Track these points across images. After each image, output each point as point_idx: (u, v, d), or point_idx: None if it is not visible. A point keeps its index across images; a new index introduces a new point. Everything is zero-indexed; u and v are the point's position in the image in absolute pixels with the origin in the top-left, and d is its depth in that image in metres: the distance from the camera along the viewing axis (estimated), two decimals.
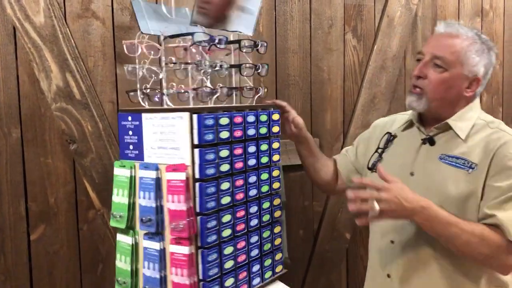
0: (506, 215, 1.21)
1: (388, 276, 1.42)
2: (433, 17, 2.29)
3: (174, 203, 1.19)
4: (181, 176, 1.17)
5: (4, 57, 1.58)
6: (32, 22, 1.59)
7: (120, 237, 1.35)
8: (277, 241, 1.46)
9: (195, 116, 1.18)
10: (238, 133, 1.28)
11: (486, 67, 1.35)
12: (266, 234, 1.41)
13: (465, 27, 1.37)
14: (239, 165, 1.29)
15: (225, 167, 1.25)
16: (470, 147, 1.30)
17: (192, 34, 1.26)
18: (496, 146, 1.26)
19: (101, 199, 1.70)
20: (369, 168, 1.49)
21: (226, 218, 1.26)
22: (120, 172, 1.32)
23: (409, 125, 1.47)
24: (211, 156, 1.20)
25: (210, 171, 1.20)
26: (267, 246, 1.41)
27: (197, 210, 1.21)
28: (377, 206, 1.19)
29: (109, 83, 1.70)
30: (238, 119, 1.28)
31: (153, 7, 1.36)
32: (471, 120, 1.34)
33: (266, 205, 1.40)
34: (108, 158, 1.70)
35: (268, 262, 1.42)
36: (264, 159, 1.38)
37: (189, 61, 1.31)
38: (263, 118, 1.37)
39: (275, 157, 1.42)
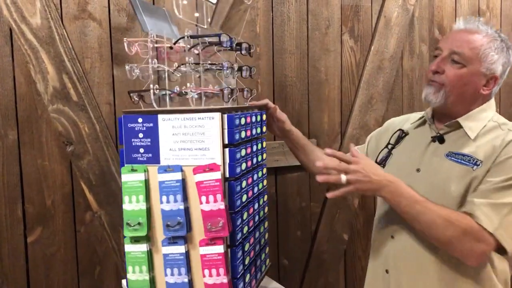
0: (482, 201, 1.20)
1: (387, 271, 1.42)
2: (430, 18, 2.29)
3: (208, 204, 1.17)
4: (217, 175, 1.17)
5: (1, 59, 1.58)
6: (29, 23, 1.58)
7: (130, 247, 1.24)
8: (266, 235, 1.51)
9: (225, 116, 1.19)
10: (249, 133, 1.31)
11: (504, 66, 1.33)
12: (261, 229, 1.45)
13: (485, 25, 1.35)
14: (249, 163, 1.32)
15: (244, 166, 1.27)
16: (478, 147, 1.29)
17: (219, 35, 1.26)
18: (503, 145, 1.26)
19: (98, 201, 1.70)
20: (377, 163, 1.48)
21: (245, 215, 1.29)
22: (131, 178, 1.23)
23: (422, 122, 1.47)
24: (238, 155, 1.22)
25: (238, 169, 1.22)
26: (262, 241, 1.45)
27: (234, 208, 1.23)
28: (344, 177, 1.22)
29: (106, 84, 1.70)
30: (249, 119, 1.30)
31: (150, 6, 1.35)
32: (483, 121, 1.33)
33: (261, 201, 1.44)
34: (105, 160, 1.69)
35: (263, 256, 1.46)
36: (259, 158, 1.41)
37: (216, 63, 1.32)
38: (258, 118, 1.40)
39: (264, 156, 1.46)
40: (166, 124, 1.23)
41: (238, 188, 1.23)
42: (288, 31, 1.97)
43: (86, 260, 1.72)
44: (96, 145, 1.68)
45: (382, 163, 1.47)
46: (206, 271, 1.19)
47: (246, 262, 1.29)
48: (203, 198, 1.18)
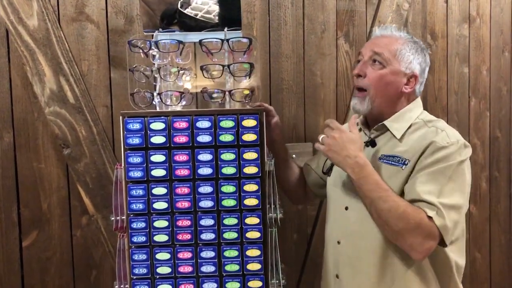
0: (425, 189, 1.25)
1: (337, 276, 1.44)
2: (422, 23, 2.32)
3: None
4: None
5: None
6: (26, 25, 1.57)
7: None
8: (253, 266, 1.31)
9: (124, 120, 1.23)
10: (181, 139, 1.25)
11: (421, 65, 1.41)
12: (230, 253, 1.29)
13: (399, 31, 1.45)
14: (182, 172, 1.25)
15: (158, 172, 1.24)
16: (406, 146, 1.34)
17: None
18: (428, 140, 1.30)
19: (95, 204, 1.68)
20: (324, 173, 1.47)
21: (160, 223, 1.26)
22: None
23: (360, 129, 1.48)
24: (136, 160, 1.24)
25: (136, 174, 1.24)
26: (231, 267, 1.30)
27: (127, 210, 1.26)
28: (321, 136, 1.31)
29: (103, 87, 1.69)
30: (181, 125, 1.24)
31: None
32: (408, 121, 1.38)
33: (230, 221, 1.29)
34: (102, 163, 1.68)
35: (233, 285, 1.30)
36: (229, 170, 1.27)
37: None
38: (226, 124, 1.27)
39: (250, 169, 1.28)
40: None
41: (140, 192, 1.24)
42: (285, 35, 1.98)
43: (82, 264, 1.71)
44: (93, 148, 1.67)
45: (328, 172, 1.44)
46: None
47: (162, 271, 1.26)
48: None
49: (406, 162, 1.30)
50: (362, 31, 2.14)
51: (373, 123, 1.42)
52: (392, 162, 1.33)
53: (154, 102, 1.34)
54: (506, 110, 2.61)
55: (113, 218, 1.28)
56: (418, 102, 1.44)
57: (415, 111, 1.41)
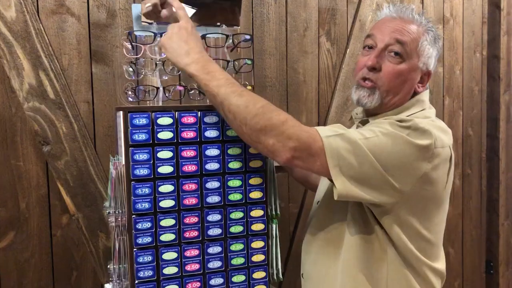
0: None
1: (302, 275, 1.37)
2: None
3: None
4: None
5: None
6: (3, 16, 1.50)
7: None
8: (257, 258, 1.31)
9: (128, 115, 1.16)
10: (189, 134, 1.22)
11: (436, 60, 1.24)
12: (236, 247, 1.29)
13: (417, 14, 1.22)
14: (190, 168, 1.22)
15: (165, 169, 1.20)
16: None
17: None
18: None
19: (76, 203, 1.63)
20: None
21: (167, 222, 1.21)
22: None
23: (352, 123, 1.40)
24: (143, 157, 1.18)
25: (142, 171, 1.18)
26: (236, 261, 1.29)
27: (132, 210, 1.19)
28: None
29: (85, 82, 1.64)
30: (189, 120, 1.22)
31: None
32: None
33: (236, 215, 1.28)
34: (83, 161, 1.63)
35: (238, 278, 1.30)
36: (236, 164, 1.27)
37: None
38: None
39: (255, 163, 1.29)
40: (118, 120, 1.23)
41: (146, 191, 1.18)
42: (268, 32, 1.98)
43: (62, 265, 1.65)
44: (73, 145, 1.61)
45: None
46: None
47: (169, 272, 1.22)
48: None
49: None
50: (343, 30, 2.16)
51: (370, 115, 1.28)
52: None
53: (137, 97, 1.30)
54: (477, 109, 2.69)
55: (112, 220, 1.19)
56: (422, 96, 1.24)
57: (412, 109, 1.22)
